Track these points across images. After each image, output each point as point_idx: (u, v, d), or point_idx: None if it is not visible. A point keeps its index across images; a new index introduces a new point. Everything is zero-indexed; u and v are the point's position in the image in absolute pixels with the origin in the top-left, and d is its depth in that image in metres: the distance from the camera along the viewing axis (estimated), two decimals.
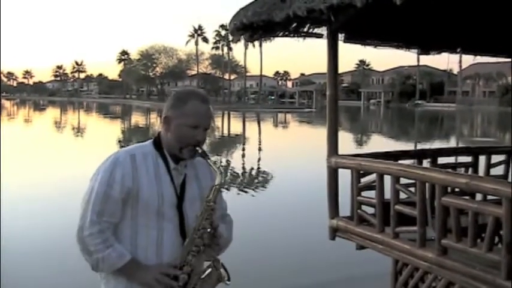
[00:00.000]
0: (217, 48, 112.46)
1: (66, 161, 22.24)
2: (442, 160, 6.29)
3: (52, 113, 78.68)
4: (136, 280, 2.70)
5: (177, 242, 2.75)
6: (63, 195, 14.34)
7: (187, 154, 2.77)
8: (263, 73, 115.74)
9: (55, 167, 20.38)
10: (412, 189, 4.84)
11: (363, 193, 5.39)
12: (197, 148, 2.76)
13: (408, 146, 29.51)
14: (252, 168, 21.30)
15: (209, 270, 2.71)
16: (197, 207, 2.77)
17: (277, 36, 5.82)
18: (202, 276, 2.71)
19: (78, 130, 45.15)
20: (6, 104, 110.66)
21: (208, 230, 2.71)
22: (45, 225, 11.21)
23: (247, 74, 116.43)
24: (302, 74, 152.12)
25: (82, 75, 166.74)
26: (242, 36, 5.70)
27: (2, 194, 13.06)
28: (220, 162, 22.34)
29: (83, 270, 3.08)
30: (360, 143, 33.80)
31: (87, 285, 3.69)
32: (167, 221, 2.75)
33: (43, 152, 25.66)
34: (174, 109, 2.78)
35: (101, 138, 35.49)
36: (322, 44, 5.72)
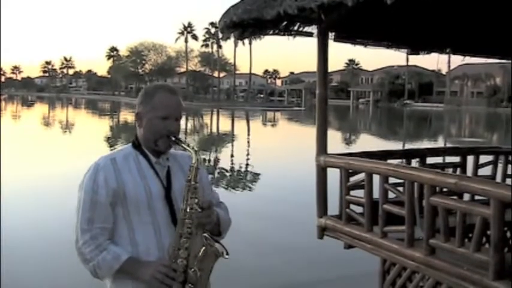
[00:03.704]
0: (206, 45, 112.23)
1: (52, 158, 22.18)
2: (430, 160, 6.31)
3: (40, 108, 78.36)
4: (139, 278, 2.69)
5: (173, 233, 2.75)
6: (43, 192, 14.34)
7: (163, 145, 2.80)
8: (252, 71, 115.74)
9: (40, 164, 20.31)
10: (401, 188, 4.85)
11: (352, 192, 5.40)
12: (171, 137, 2.78)
13: (397, 146, 29.60)
14: (240, 167, 21.30)
15: (203, 248, 2.69)
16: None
17: (268, 34, 5.82)
18: (199, 255, 2.69)
19: (66, 127, 45.01)
20: None
21: (196, 208, 2.70)
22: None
23: (237, 72, 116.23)
24: (291, 73, 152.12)
25: (71, 71, 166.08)
26: (232, 34, 5.68)
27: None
28: (209, 159, 22.36)
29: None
30: (348, 142, 33.88)
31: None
32: (160, 214, 2.77)
33: (30, 149, 25.53)
34: (143, 104, 2.84)
35: (88, 134, 35.36)
36: (312, 42, 5.73)
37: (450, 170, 6.26)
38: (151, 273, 2.64)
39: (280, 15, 4.73)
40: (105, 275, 2.73)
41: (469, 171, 6.48)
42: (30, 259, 8.92)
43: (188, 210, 2.70)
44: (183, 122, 2.92)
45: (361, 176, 5.25)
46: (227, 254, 2.73)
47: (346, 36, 6.18)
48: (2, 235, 9.38)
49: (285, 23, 5.52)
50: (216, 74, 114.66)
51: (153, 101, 2.80)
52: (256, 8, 4.92)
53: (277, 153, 25.37)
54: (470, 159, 6.52)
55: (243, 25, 5.36)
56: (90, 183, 2.74)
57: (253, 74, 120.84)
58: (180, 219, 2.71)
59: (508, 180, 6.56)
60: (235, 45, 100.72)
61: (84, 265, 2.73)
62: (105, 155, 2.87)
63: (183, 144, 2.80)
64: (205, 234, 2.72)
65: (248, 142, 34.05)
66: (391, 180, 4.95)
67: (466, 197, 5.48)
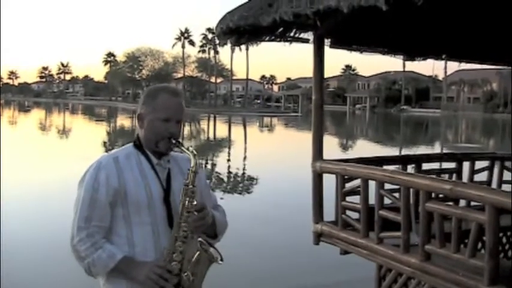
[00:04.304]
0: (203, 51, 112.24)
1: (49, 163, 22.16)
2: (426, 166, 6.32)
3: (37, 114, 78.24)
4: (133, 279, 2.69)
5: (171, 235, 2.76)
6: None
7: (163, 147, 2.81)
8: (249, 77, 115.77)
9: (38, 169, 20.29)
10: (397, 194, 4.85)
11: (348, 198, 5.40)
12: (172, 140, 2.79)
13: (393, 151, 29.62)
14: (236, 174, 21.28)
15: (198, 252, 2.70)
16: None
17: (264, 40, 5.83)
18: (193, 260, 2.69)
19: (63, 132, 45.00)
20: None
21: (193, 211, 2.71)
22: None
23: (234, 77, 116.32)
24: (288, 78, 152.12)
25: (68, 77, 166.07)
26: (229, 40, 5.69)
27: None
28: (206, 164, 22.34)
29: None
30: (345, 148, 33.87)
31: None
32: (159, 215, 2.78)
33: (27, 154, 25.49)
34: (145, 105, 2.85)
35: (86, 140, 35.30)
36: (308, 48, 5.74)
37: (446, 176, 6.27)
38: (146, 273, 2.65)
39: (276, 22, 4.74)
40: (99, 273, 2.74)
41: (465, 177, 6.49)
42: (29, 263, 8.91)
43: (185, 213, 2.71)
44: None
45: (357, 182, 5.25)
46: (221, 259, 2.74)
47: (342, 42, 6.20)
48: (2, 239, 9.36)
49: (281, 29, 5.52)
50: (213, 79, 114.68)
51: (155, 102, 2.81)
52: (252, 14, 4.93)
53: (273, 160, 25.35)
54: (466, 165, 6.54)
55: (239, 31, 5.36)
56: (91, 181, 2.74)
57: (250, 79, 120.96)
58: (176, 222, 2.72)
59: (504, 186, 6.57)
60: (232, 51, 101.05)
61: (79, 262, 2.74)
62: (107, 154, 2.87)
63: (182, 148, 2.80)
64: (200, 239, 2.73)
65: (245, 148, 34.02)
66: (387, 186, 4.95)
67: (462, 203, 5.50)
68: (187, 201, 2.71)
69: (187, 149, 2.80)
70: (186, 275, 2.68)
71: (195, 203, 2.73)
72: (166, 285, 2.65)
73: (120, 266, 2.68)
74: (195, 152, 2.79)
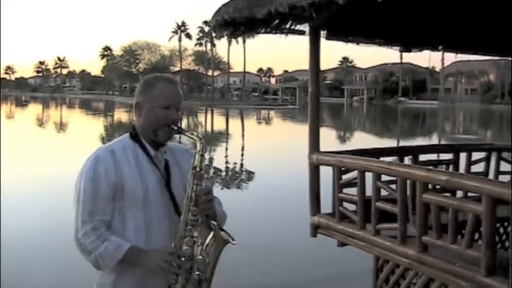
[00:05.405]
0: (200, 44, 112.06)
1: (47, 158, 22.14)
2: (423, 157, 6.31)
3: (34, 109, 78.13)
4: (142, 267, 2.68)
5: (167, 228, 2.76)
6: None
7: (163, 135, 2.80)
8: (246, 70, 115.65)
9: (36, 164, 20.27)
10: (394, 186, 4.85)
11: (344, 190, 5.39)
12: (172, 126, 2.77)
13: (391, 143, 29.63)
14: (234, 166, 21.30)
15: (212, 233, 2.68)
16: (180, 190, 2.78)
17: (259, 32, 5.80)
18: (207, 243, 2.68)
19: (61, 126, 44.95)
20: None
21: (201, 195, 2.71)
22: None
23: (231, 70, 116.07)
24: (285, 71, 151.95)
25: (64, 71, 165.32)
26: (224, 33, 5.67)
27: None
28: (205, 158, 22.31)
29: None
30: (342, 139, 33.88)
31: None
32: (155, 208, 2.76)
33: (25, 149, 25.47)
34: (143, 94, 2.82)
35: (83, 134, 35.27)
36: (305, 40, 5.72)
37: (443, 167, 6.27)
38: (156, 261, 2.64)
39: (272, 14, 4.72)
40: (108, 265, 2.70)
41: (462, 168, 6.49)
42: (29, 260, 8.90)
43: (194, 197, 2.70)
44: None
45: (353, 174, 5.24)
46: (233, 240, 2.72)
47: (338, 34, 6.17)
48: (2, 236, 9.35)
49: (276, 21, 5.50)
50: (210, 72, 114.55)
51: (154, 90, 2.79)
52: (247, 6, 4.91)
53: (271, 152, 25.36)
54: (463, 156, 6.53)
55: (234, 24, 5.34)
56: (90, 174, 2.72)
57: (247, 72, 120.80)
58: (185, 207, 2.70)
59: (501, 177, 6.57)
60: (229, 44, 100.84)
61: (85, 256, 2.71)
62: (103, 146, 2.85)
63: (186, 133, 2.79)
64: (212, 222, 2.71)
65: (242, 141, 34.02)
66: (384, 177, 4.95)
67: (459, 194, 5.50)
68: (195, 185, 2.71)
69: (192, 133, 2.80)
70: (201, 258, 2.66)
71: (203, 186, 2.73)
72: (178, 271, 2.64)
73: (127, 256, 2.66)
74: (200, 136, 2.78)
